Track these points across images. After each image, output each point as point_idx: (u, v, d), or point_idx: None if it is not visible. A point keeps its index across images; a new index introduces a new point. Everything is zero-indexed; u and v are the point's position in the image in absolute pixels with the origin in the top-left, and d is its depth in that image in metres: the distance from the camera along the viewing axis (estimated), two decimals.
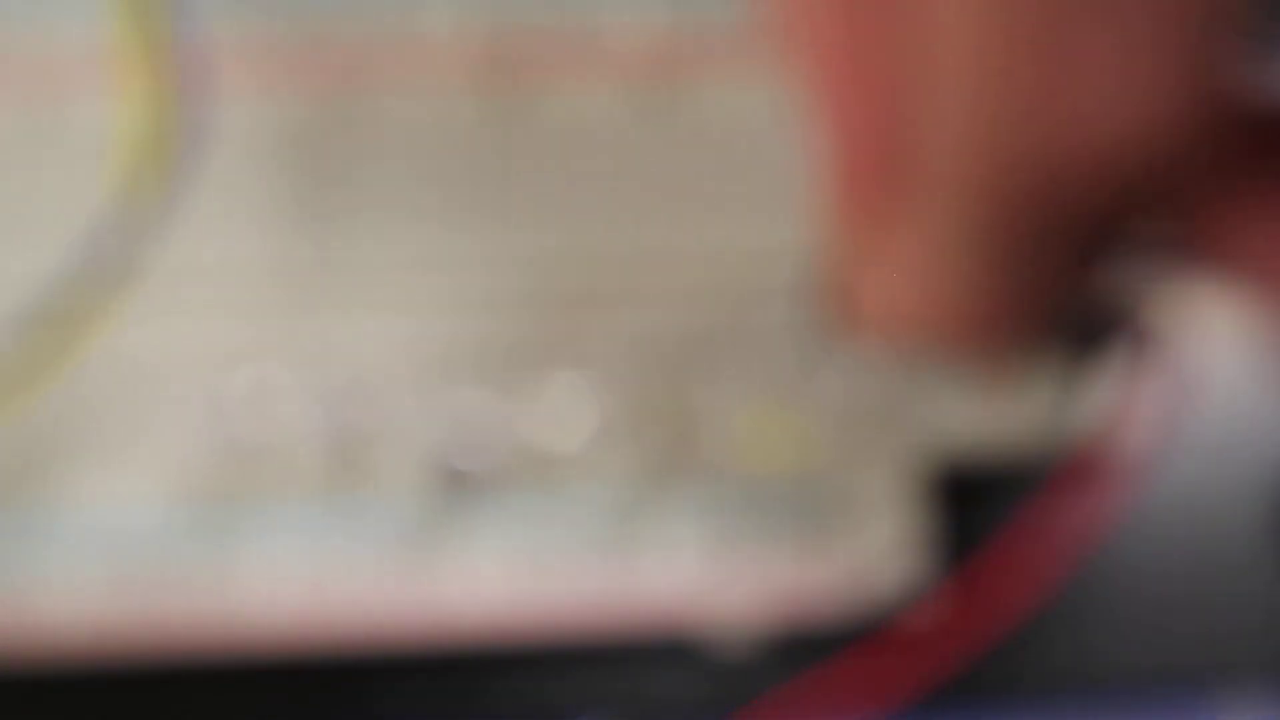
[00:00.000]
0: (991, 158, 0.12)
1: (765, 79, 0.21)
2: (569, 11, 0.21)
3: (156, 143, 0.19)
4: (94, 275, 0.19)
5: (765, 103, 0.21)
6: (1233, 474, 0.22)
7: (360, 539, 0.20)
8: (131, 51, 0.19)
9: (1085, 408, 0.18)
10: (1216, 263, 0.13)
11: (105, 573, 0.20)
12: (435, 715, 0.20)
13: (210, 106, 0.21)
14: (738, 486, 0.20)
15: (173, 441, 0.20)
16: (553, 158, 0.21)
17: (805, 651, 0.18)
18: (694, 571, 0.20)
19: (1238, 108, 0.12)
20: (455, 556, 0.20)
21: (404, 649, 0.20)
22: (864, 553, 0.19)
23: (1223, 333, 0.19)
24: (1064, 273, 0.13)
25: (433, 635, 0.20)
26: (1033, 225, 0.12)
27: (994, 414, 0.20)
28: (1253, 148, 0.13)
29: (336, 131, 0.21)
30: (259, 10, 0.21)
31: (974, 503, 0.20)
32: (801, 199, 0.19)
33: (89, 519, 0.20)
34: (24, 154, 0.21)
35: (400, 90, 0.21)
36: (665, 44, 0.21)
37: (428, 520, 0.20)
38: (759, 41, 0.21)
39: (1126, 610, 0.21)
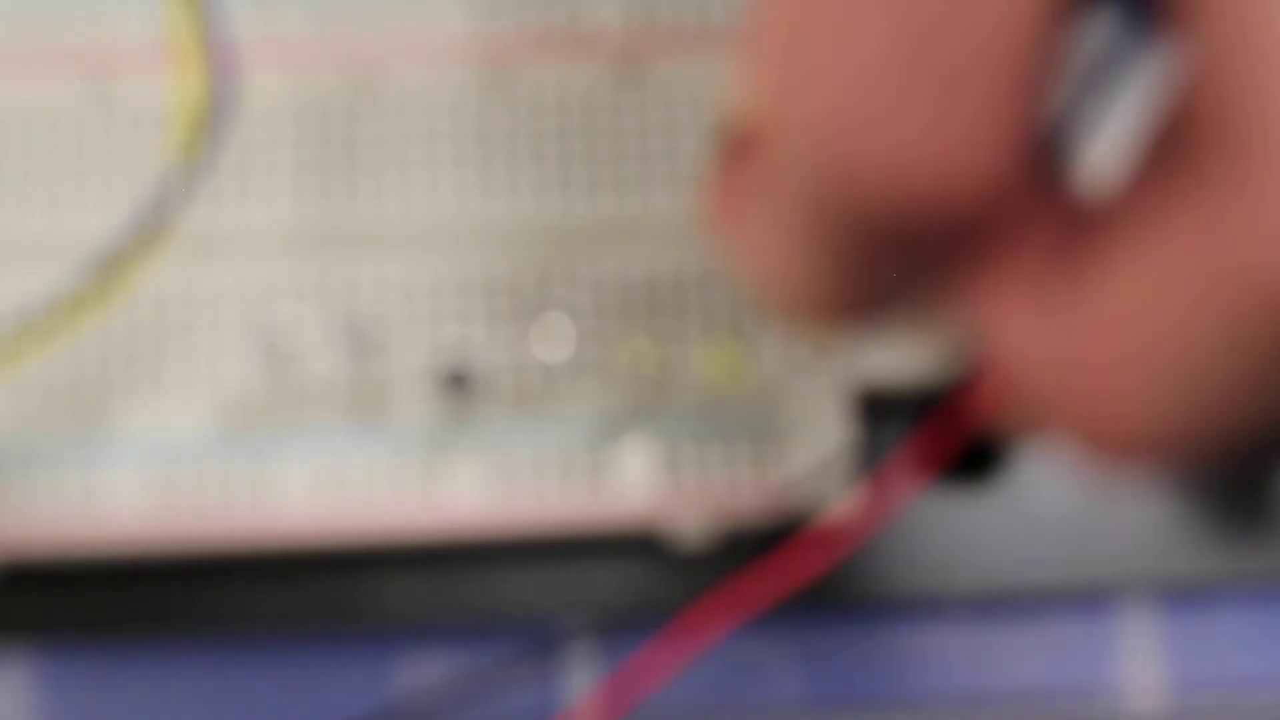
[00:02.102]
0: (819, 170, 0.12)
1: (717, 62, 0.23)
2: (557, 9, 0.23)
3: (201, 113, 0.20)
4: (147, 225, 0.20)
5: (719, 80, 0.23)
6: None
7: (373, 454, 0.22)
8: (180, 37, 0.20)
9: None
10: (971, 316, 0.13)
11: (158, 481, 0.21)
12: (435, 602, 0.22)
13: (246, 83, 0.23)
14: (697, 407, 0.22)
15: (215, 369, 0.22)
16: (541, 126, 0.23)
17: (749, 547, 0.20)
18: (658, 479, 0.21)
19: (1026, 173, 0.12)
20: (454, 470, 0.21)
21: (410, 547, 0.22)
22: (800, 462, 0.21)
23: None
24: (893, 278, 0.13)
25: (434, 535, 0.22)
26: (859, 234, 0.12)
27: (905, 350, 0.22)
28: (1022, 213, 0.13)
29: (354, 103, 0.23)
30: (288, 4, 0.23)
31: (887, 422, 0.22)
32: None
33: (144, 435, 0.22)
34: (90, 122, 0.23)
35: (410, 66, 0.23)
36: (637, 34, 0.23)
37: (431, 439, 0.22)
38: (712, 33, 0.23)
39: (1026, 524, 0.23)
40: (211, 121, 0.20)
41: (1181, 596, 0.23)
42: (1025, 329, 0.13)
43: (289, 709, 0.23)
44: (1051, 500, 0.23)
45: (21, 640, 0.23)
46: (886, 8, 0.11)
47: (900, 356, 0.22)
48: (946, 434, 0.17)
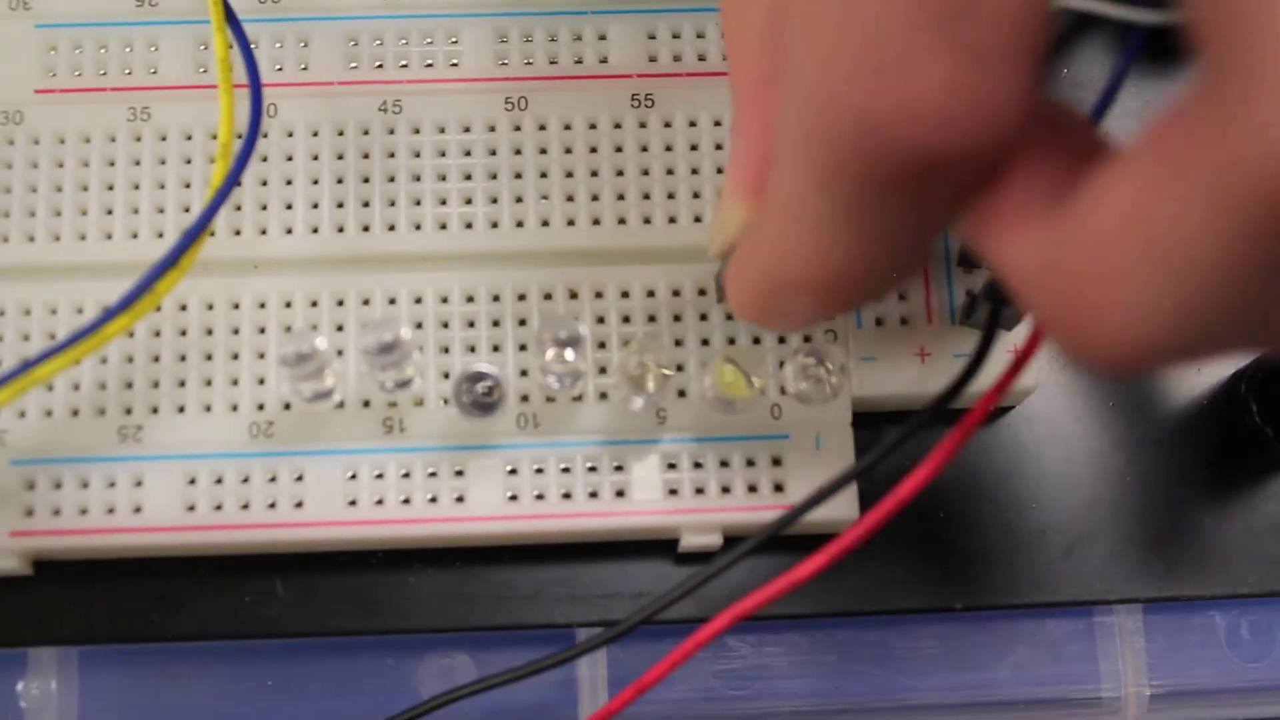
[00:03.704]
0: (831, 134, 0.13)
1: (722, 88, 0.24)
2: (580, 43, 0.24)
3: (236, 135, 0.21)
4: (181, 244, 0.20)
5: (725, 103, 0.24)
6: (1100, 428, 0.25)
7: (398, 467, 0.22)
8: (220, 67, 0.21)
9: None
10: (973, 238, 0.14)
11: (190, 489, 0.22)
12: (464, 605, 0.23)
13: (278, 107, 0.24)
14: (708, 419, 0.22)
15: (246, 383, 0.22)
16: (563, 145, 0.23)
17: (754, 551, 0.20)
18: (676, 485, 0.22)
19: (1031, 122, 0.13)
20: (483, 476, 0.22)
21: (440, 552, 0.23)
22: (805, 471, 0.22)
23: None
24: (906, 235, 0.14)
25: (462, 542, 0.22)
26: (873, 190, 0.13)
27: (897, 375, 0.23)
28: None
29: (382, 126, 0.23)
30: (323, 44, 0.24)
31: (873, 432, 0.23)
32: None
33: (177, 444, 0.22)
34: (126, 146, 0.23)
35: (436, 92, 0.24)
36: (649, 63, 0.24)
37: (455, 452, 0.22)
38: (716, 61, 0.24)
39: (1037, 542, 0.24)
40: (244, 147, 0.20)
41: (1159, 609, 0.24)
42: (1024, 243, 0.13)
43: (316, 707, 0.23)
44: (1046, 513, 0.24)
45: (54, 638, 0.23)
46: None
47: (887, 373, 0.23)
48: (945, 447, 0.18)
